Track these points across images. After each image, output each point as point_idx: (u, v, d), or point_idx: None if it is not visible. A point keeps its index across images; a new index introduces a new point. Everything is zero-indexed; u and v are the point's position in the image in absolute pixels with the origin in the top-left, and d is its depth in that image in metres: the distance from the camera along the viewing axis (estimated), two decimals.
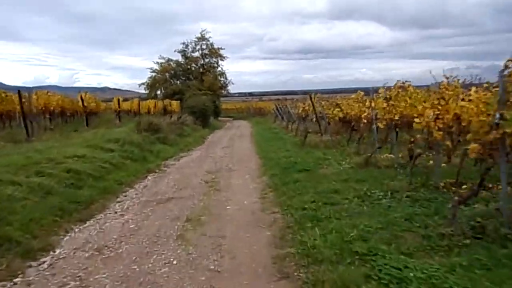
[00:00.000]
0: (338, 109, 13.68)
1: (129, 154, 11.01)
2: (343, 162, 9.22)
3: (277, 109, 31.12)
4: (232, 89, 48.54)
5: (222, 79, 45.76)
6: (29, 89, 20.40)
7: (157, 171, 10.33)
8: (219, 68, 46.13)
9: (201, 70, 45.01)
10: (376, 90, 10.99)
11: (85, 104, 20.80)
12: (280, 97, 60.18)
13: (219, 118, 44.62)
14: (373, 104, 10.89)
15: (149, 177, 9.45)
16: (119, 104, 29.44)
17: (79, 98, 21.12)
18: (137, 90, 51.73)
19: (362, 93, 13.24)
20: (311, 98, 15.21)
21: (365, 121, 11.51)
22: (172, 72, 45.41)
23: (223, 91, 45.78)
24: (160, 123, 16.53)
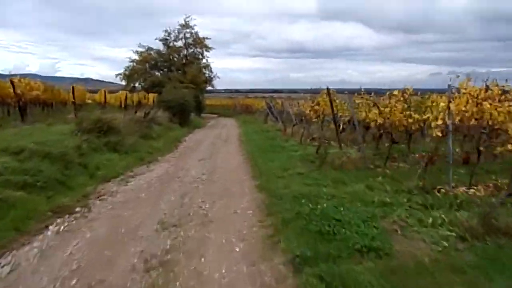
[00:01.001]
0: (376, 111, 9.00)
1: (28, 178, 6.08)
2: (431, 222, 4.48)
3: (269, 107, 26.39)
4: (218, 85, 43.50)
5: (206, 72, 40.65)
6: (6, 77, 18.03)
7: (54, 224, 5.12)
8: (204, 60, 41.03)
9: (184, 61, 39.81)
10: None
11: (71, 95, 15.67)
12: (266, 95, 55.79)
13: (203, 115, 39.61)
14: (452, 106, 6.31)
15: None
16: (105, 96, 24.68)
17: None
18: (121, 83, 46.33)
19: (411, 88, 8.61)
20: (329, 94, 10.45)
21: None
22: (153, 62, 40.05)
23: (207, 86, 40.69)
24: (114, 120, 11.58)
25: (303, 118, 15.29)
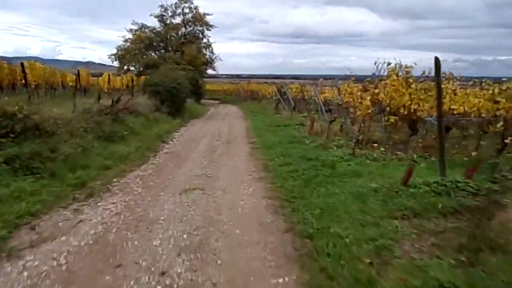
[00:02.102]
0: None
1: None
2: None
3: (280, 94, 21.34)
4: (220, 69, 38.10)
5: (207, 53, 35.43)
6: (8, 59, 18.95)
7: None
8: (205, 40, 35.75)
9: (182, 40, 34.53)
10: None
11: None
12: (269, 80, 50.65)
13: (202, 101, 34.58)
14: None
15: None
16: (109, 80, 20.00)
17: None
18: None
19: None
20: (438, 72, 5.42)
21: None
22: (147, 42, 34.74)
23: (208, 68, 35.53)
24: (43, 115, 6.62)
25: (349, 110, 10.34)
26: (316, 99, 13.67)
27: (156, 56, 34.07)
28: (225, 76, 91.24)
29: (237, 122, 16.45)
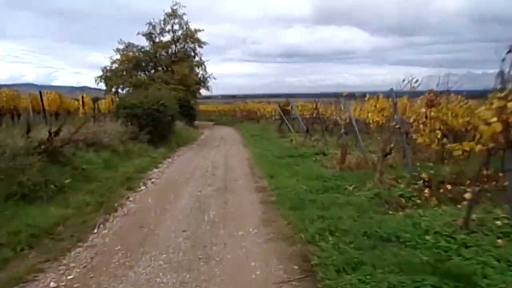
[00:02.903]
0: None
1: None
2: None
3: (284, 113, 17.95)
4: (214, 90, 34.77)
5: (200, 71, 32.21)
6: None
7: None
8: (197, 58, 32.56)
9: (172, 58, 31.32)
10: None
11: None
12: (264, 99, 47.58)
13: (196, 123, 31.16)
14: None
15: None
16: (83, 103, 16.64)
17: None
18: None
19: None
20: None
21: None
22: (135, 61, 31.48)
23: (201, 88, 32.20)
24: None
25: (406, 135, 6.92)
26: (346, 119, 10.31)
27: (144, 76, 30.75)
28: (220, 97, 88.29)
29: (235, 150, 12.87)
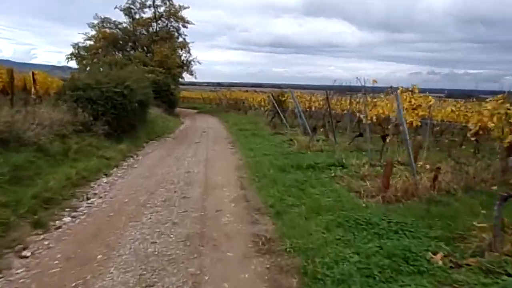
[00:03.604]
0: None
1: None
2: None
3: (278, 105, 15.01)
4: (199, 76, 31.50)
5: (183, 53, 28.74)
6: None
7: None
8: (180, 39, 29.06)
9: (153, 37, 27.74)
10: None
11: None
12: (249, 89, 44.42)
13: (177, 110, 27.89)
14: None
15: None
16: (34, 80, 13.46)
17: None
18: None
19: None
20: None
21: None
22: (111, 39, 27.74)
23: (183, 71, 28.75)
24: None
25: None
26: (372, 117, 7.42)
27: (121, 56, 27.11)
28: (205, 84, 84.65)
29: (220, 151, 9.77)
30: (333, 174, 6.17)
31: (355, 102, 13.43)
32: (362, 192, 5.10)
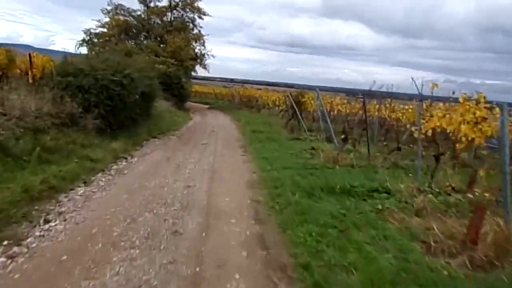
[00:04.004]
0: None
1: None
2: None
3: (297, 106, 13.37)
4: (213, 71, 29.98)
5: (197, 46, 27.20)
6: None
7: None
8: (195, 31, 27.51)
9: (167, 27, 26.25)
10: None
11: None
12: (262, 87, 42.73)
13: (188, 104, 26.45)
14: None
15: None
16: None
17: None
18: None
19: None
20: None
21: None
22: (125, 26, 26.36)
23: (197, 64, 27.20)
24: None
25: None
26: (426, 130, 5.78)
27: (133, 45, 25.68)
28: (219, 79, 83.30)
29: (230, 159, 8.07)
30: (380, 207, 4.53)
31: (384, 107, 11.77)
32: (432, 244, 3.46)
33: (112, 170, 6.35)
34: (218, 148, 9.19)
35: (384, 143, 9.89)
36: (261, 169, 6.57)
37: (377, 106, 11.92)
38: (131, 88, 9.02)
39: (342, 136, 7.54)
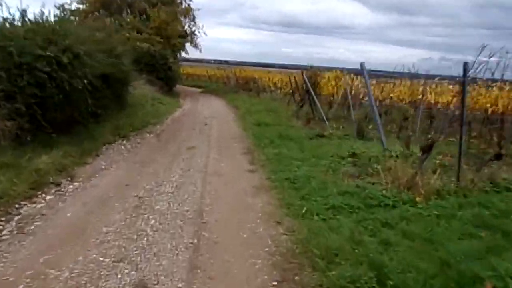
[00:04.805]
0: None
1: None
2: None
3: (310, 87, 10.21)
4: (206, 53, 26.23)
5: (186, 21, 23.51)
6: None
7: None
8: (185, 4, 23.74)
9: (153, 0, 22.48)
10: None
11: None
12: (257, 68, 39.02)
13: (178, 87, 23.13)
14: None
15: None
16: None
17: None
18: None
19: None
20: None
21: None
22: (101, 1, 22.58)
23: (187, 42, 23.53)
24: None
25: None
26: None
27: (111, 21, 21.94)
28: (212, 61, 79.00)
29: (231, 176, 4.90)
30: None
31: (429, 89, 8.73)
32: None
33: (11, 224, 3.26)
34: (211, 157, 6.05)
35: (449, 139, 6.80)
36: (293, 216, 3.47)
37: (420, 88, 8.86)
38: (76, 69, 5.80)
39: (423, 143, 4.40)
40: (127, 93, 10.25)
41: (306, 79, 10.36)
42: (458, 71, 4.85)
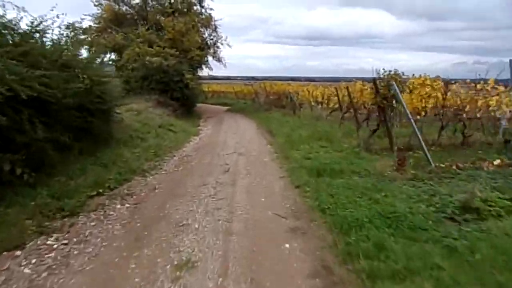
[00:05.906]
0: None
1: None
2: None
3: (387, 101, 6.06)
4: (231, 70, 23.22)
5: (206, 32, 20.16)
6: None
7: None
8: (204, 11, 20.39)
9: (166, 10, 19.37)
10: None
11: None
12: (285, 83, 35.06)
13: (200, 107, 19.76)
14: None
15: None
16: None
17: None
18: None
19: None
20: None
21: None
22: (113, 16, 19.73)
23: (208, 54, 20.02)
24: None
25: None
26: None
27: (120, 36, 18.91)
28: (239, 78, 76.11)
29: None
30: None
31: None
32: None
33: None
34: None
35: None
36: None
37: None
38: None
39: None
40: (109, 120, 6.73)
41: (378, 92, 6.32)
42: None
